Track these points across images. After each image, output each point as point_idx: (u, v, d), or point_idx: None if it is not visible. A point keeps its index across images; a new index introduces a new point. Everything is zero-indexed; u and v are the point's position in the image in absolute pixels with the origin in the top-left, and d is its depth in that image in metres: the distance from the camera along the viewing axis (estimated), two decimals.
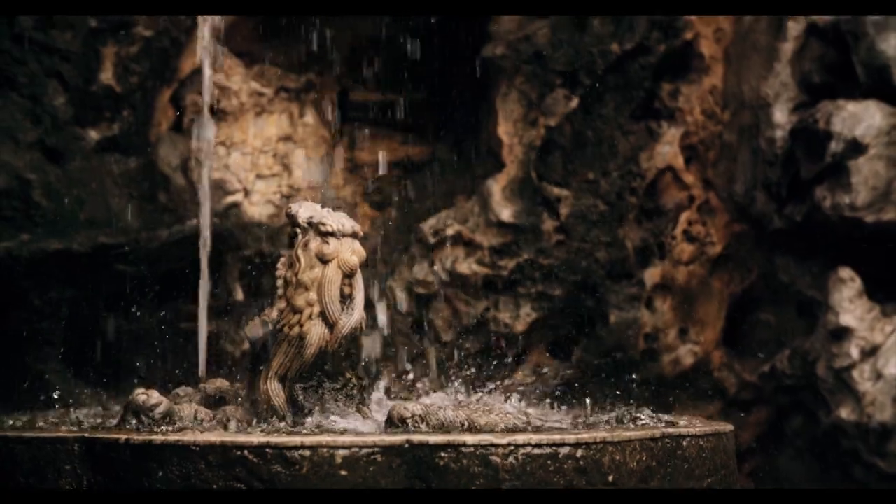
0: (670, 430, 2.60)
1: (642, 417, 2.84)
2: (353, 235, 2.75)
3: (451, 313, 4.26)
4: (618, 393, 3.43)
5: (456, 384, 3.41)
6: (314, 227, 2.73)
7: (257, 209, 4.35)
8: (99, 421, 2.87)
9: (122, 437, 2.38)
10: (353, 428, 2.57)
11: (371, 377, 3.02)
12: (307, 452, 2.31)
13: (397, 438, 2.35)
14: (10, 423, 2.87)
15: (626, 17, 4.29)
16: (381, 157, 4.32)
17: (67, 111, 4.01)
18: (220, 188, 4.30)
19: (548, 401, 3.21)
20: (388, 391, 3.11)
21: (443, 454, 2.35)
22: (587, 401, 3.06)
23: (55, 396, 3.43)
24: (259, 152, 4.40)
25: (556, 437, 2.41)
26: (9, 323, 3.81)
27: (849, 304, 4.15)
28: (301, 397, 2.68)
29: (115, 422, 2.73)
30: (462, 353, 4.16)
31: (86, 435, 2.42)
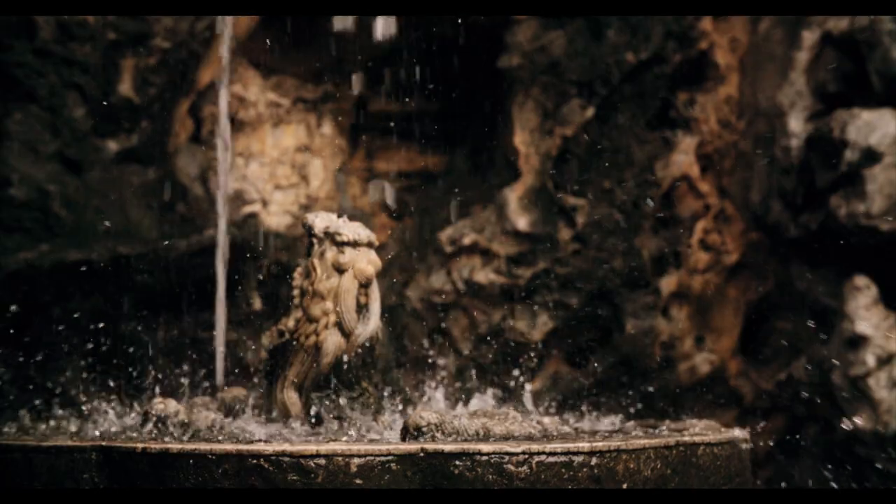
0: (685, 438, 2.60)
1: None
2: (369, 245, 2.77)
3: (467, 322, 4.27)
4: (634, 401, 3.43)
5: (472, 392, 3.42)
6: (330, 236, 2.75)
7: (275, 219, 4.37)
8: (117, 430, 2.89)
9: (140, 445, 2.39)
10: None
11: (389, 385, 3.03)
12: (322, 461, 2.32)
13: (412, 447, 2.36)
14: (30, 431, 2.89)
15: (642, 26, 4.30)
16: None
17: (87, 123, 4.03)
18: (238, 198, 4.32)
19: (563, 409, 3.22)
20: (404, 400, 3.12)
21: (458, 462, 2.36)
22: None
23: (74, 405, 3.45)
24: (277, 163, 4.42)
25: (571, 446, 2.42)
26: (29, 332, 3.83)
27: (864, 312, 4.15)
28: (318, 407, 2.70)
29: (132, 430, 2.75)
30: (479, 362, 4.17)
31: (103, 444, 2.44)
